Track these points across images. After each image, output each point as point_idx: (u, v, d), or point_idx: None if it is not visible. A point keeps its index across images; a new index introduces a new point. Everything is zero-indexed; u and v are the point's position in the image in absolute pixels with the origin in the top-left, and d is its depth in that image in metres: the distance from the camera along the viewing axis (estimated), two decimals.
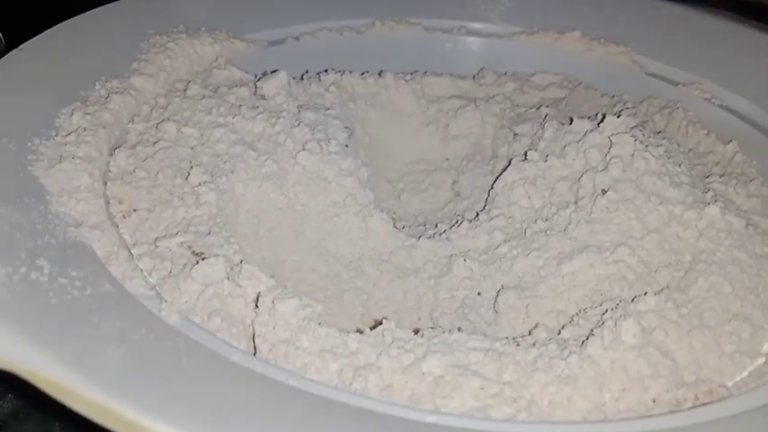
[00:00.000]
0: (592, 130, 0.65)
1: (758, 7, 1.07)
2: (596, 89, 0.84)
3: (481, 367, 0.48)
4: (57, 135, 0.58)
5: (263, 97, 0.71)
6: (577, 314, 0.54)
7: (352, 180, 0.67)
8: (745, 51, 0.83)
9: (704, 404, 0.46)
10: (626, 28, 0.88)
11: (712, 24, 0.88)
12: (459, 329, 0.59)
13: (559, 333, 0.52)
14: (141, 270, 0.51)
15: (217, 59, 0.77)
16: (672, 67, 0.84)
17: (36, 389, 0.38)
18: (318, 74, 0.79)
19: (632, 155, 0.62)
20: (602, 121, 0.67)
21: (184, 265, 0.52)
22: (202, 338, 0.45)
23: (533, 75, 0.87)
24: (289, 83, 0.73)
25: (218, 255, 0.53)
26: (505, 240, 0.64)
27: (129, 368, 0.40)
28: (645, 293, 0.52)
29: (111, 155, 0.61)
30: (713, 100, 0.80)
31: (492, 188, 0.70)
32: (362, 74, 0.82)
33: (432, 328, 0.52)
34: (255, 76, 0.75)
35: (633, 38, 0.87)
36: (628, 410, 0.47)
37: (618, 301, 0.53)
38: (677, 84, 0.82)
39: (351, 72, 0.81)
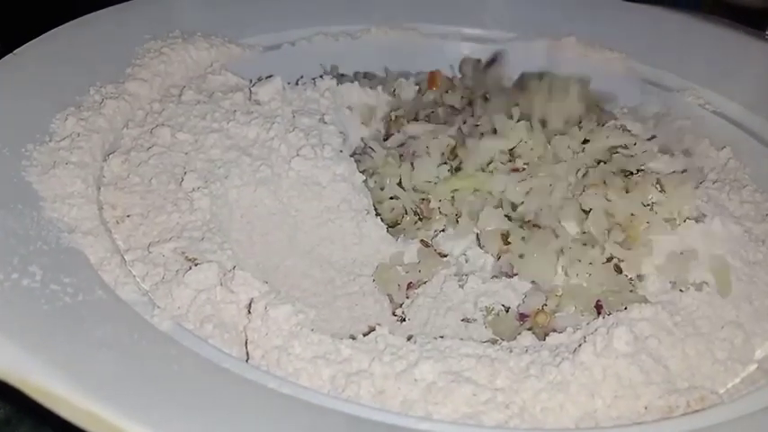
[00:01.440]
0: None
1: (752, 13, 1.07)
2: None
3: (474, 374, 0.48)
4: (50, 140, 0.58)
5: (257, 102, 0.71)
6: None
7: (347, 185, 0.67)
8: (739, 57, 0.83)
9: (696, 411, 0.46)
10: (621, 34, 0.88)
11: (706, 31, 0.88)
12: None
13: (545, 338, 0.52)
14: (134, 276, 0.51)
15: (212, 64, 0.77)
16: (666, 73, 0.84)
17: (28, 395, 0.38)
18: (314, 79, 0.79)
19: None
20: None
21: (177, 270, 0.52)
22: (195, 345, 0.45)
23: None
24: (284, 88, 0.73)
25: (211, 260, 0.53)
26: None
27: (120, 376, 0.40)
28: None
29: (104, 160, 0.61)
30: (707, 106, 0.80)
31: None
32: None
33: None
34: (251, 81, 0.75)
35: (628, 44, 0.87)
36: (620, 417, 0.47)
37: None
38: (671, 90, 0.83)
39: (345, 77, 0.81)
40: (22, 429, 0.56)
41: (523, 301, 0.59)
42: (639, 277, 0.56)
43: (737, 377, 0.50)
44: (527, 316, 0.58)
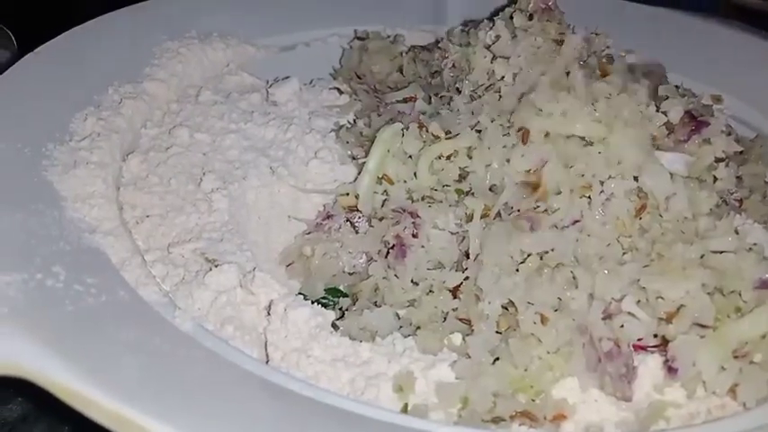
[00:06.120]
0: None
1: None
2: None
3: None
4: (71, 140, 0.58)
5: (274, 103, 0.71)
6: None
7: None
8: (757, 62, 0.83)
9: (717, 419, 0.46)
10: (644, 40, 0.87)
11: (723, 34, 0.88)
12: None
13: None
14: (154, 277, 0.51)
15: (228, 65, 0.77)
16: (682, 77, 0.83)
17: (45, 393, 0.38)
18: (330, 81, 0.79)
19: None
20: None
21: (197, 271, 0.53)
22: (216, 347, 0.45)
23: None
24: (300, 89, 0.73)
25: (231, 262, 0.53)
26: None
27: (146, 377, 0.40)
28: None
29: (124, 160, 0.62)
30: (732, 115, 0.79)
31: None
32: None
33: None
34: (267, 81, 0.75)
35: (641, 47, 0.86)
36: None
37: None
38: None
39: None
40: (40, 427, 0.57)
41: None
42: None
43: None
44: None
